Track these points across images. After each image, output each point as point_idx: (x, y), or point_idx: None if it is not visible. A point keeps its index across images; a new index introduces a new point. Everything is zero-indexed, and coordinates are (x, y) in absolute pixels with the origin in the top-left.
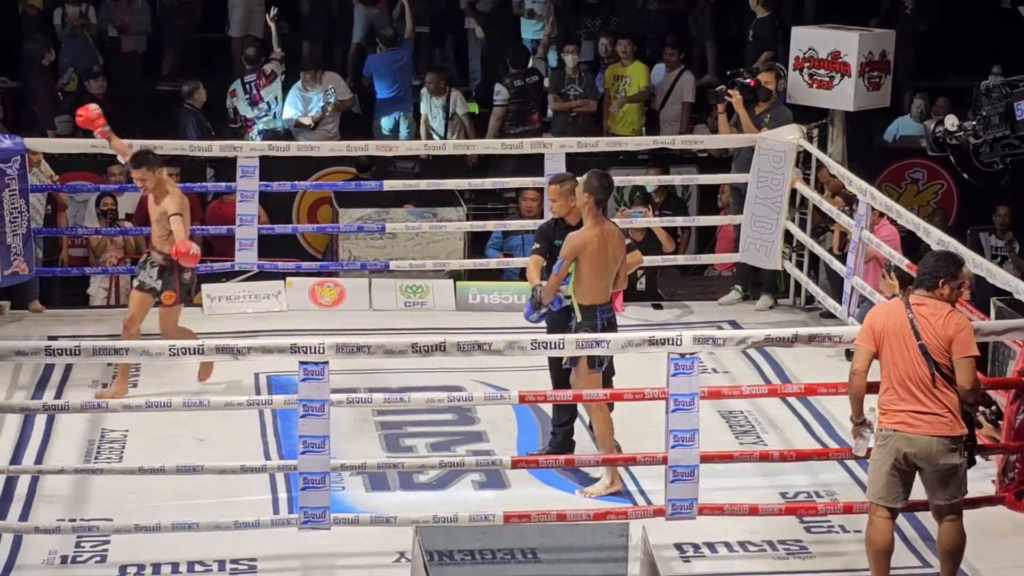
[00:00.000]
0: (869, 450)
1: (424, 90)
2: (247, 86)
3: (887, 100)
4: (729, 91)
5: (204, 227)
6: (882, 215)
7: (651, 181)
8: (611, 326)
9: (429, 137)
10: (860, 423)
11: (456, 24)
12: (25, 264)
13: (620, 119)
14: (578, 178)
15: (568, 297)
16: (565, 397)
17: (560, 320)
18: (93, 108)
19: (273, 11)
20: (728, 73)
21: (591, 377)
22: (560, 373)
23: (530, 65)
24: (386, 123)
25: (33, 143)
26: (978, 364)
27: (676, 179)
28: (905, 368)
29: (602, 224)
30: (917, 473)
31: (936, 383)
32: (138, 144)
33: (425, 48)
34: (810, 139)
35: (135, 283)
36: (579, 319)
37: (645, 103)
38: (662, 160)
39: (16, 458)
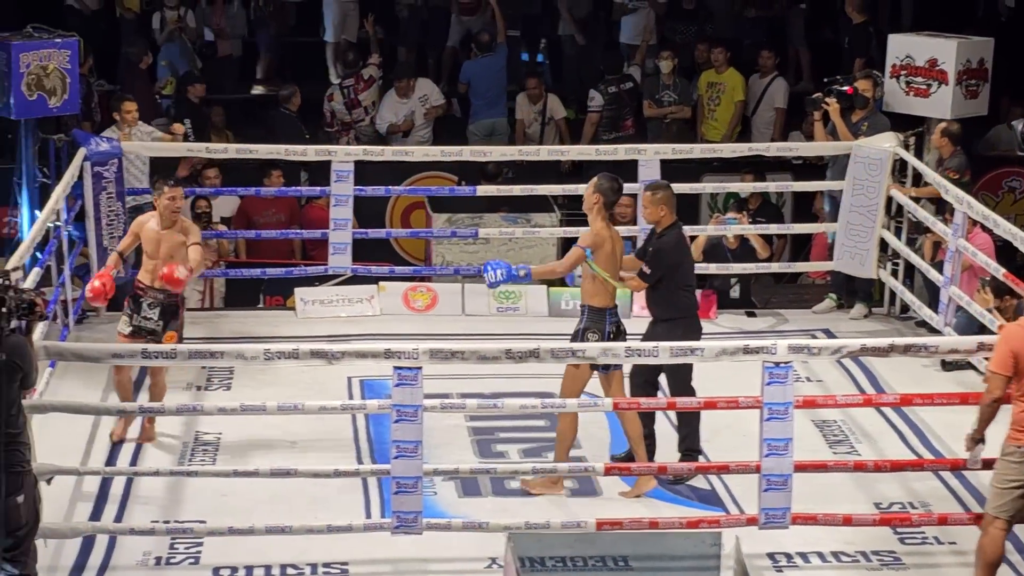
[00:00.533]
0: (984, 461)
1: (521, 95)
2: (345, 91)
3: (985, 108)
4: (826, 99)
5: (299, 231)
6: (976, 223)
7: (745, 188)
8: (620, 332)
9: (524, 142)
10: (980, 439)
11: (549, 29)
12: (121, 267)
13: (714, 125)
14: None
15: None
16: (659, 405)
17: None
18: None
19: (370, 17)
20: (825, 80)
21: (577, 374)
22: (640, 382)
23: (625, 71)
24: (481, 128)
25: (130, 146)
26: None
27: (771, 186)
28: None
29: (611, 226)
30: None
31: None
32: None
33: (518, 53)
34: (906, 147)
35: (127, 329)
36: (585, 322)
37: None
38: (758, 167)
39: (111, 460)
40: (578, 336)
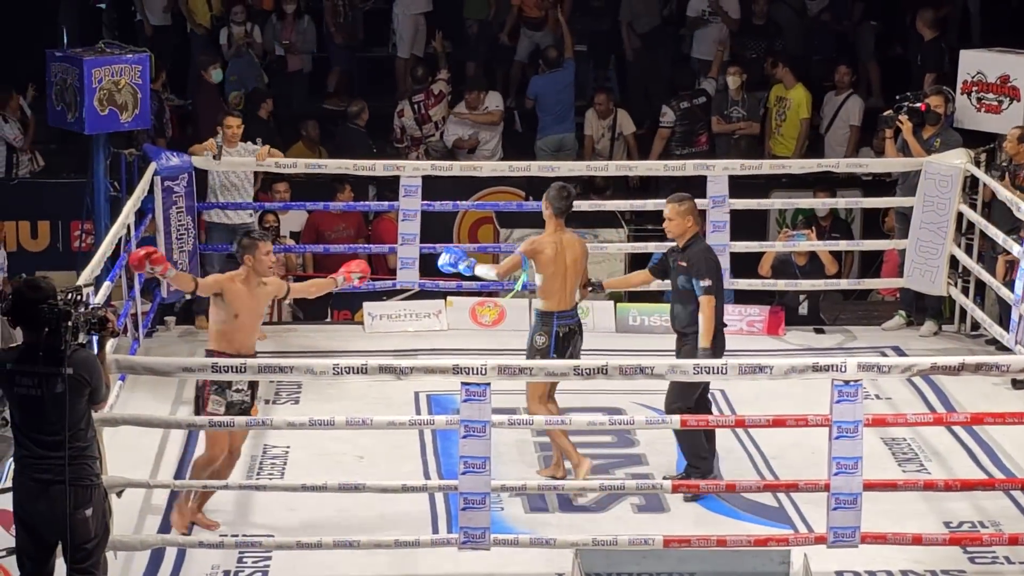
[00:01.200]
0: None
1: (589, 111)
2: (416, 106)
3: None
4: (899, 117)
5: (367, 245)
6: None
7: (814, 204)
8: (571, 333)
9: (593, 157)
10: None
11: (617, 44)
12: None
13: (781, 141)
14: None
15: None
16: (728, 423)
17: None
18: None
19: (439, 34)
20: (897, 97)
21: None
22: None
23: (698, 86)
24: (549, 144)
25: (200, 161)
26: None
27: (840, 202)
28: None
29: (561, 233)
30: None
31: None
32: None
33: (585, 68)
34: (977, 164)
35: (221, 410)
36: (534, 326)
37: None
38: (830, 183)
39: (180, 473)
40: (529, 340)
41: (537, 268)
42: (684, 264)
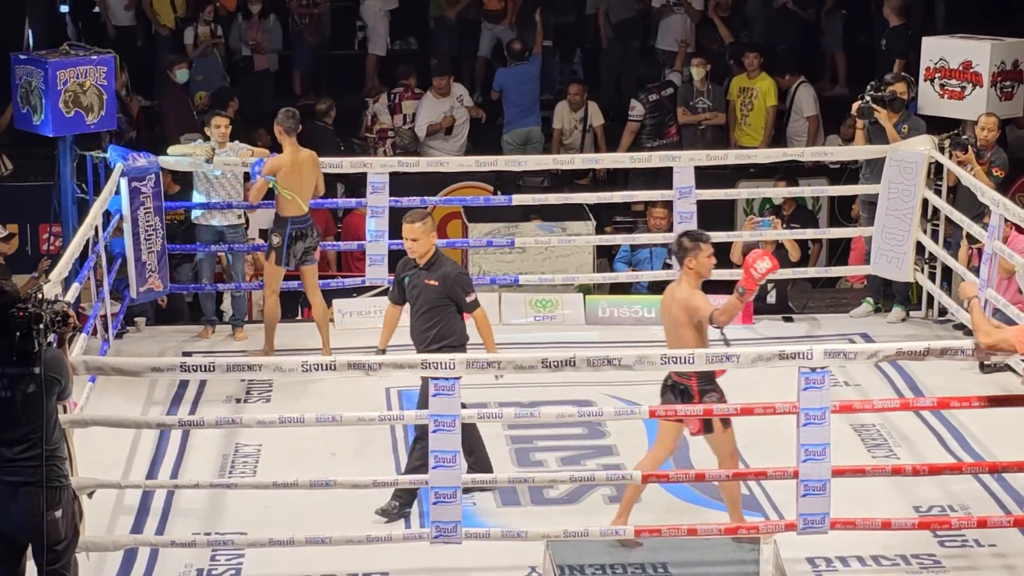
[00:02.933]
0: None
1: (561, 103)
2: (392, 95)
3: (1020, 110)
4: (877, 107)
5: (335, 243)
6: (1014, 227)
7: (780, 193)
8: (301, 235)
9: (560, 151)
10: None
11: (583, 37)
12: (160, 280)
13: (748, 131)
14: None
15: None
16: (696, 412)
17: None
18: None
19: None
20: (870, 87)
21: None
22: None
23: (664, 78)
24: (515, 137)
25: (190, 163)
26: None
27: (806, 191)
28: None
29: (296, 152)
30: None
31: None
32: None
33: (551, 61)
34: (941, 150)
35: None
36: (272, 227)
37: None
38: (789, 172)
39: (152, 473)
40: (267, 236)
41: (279, 181)
42: (436, 283)
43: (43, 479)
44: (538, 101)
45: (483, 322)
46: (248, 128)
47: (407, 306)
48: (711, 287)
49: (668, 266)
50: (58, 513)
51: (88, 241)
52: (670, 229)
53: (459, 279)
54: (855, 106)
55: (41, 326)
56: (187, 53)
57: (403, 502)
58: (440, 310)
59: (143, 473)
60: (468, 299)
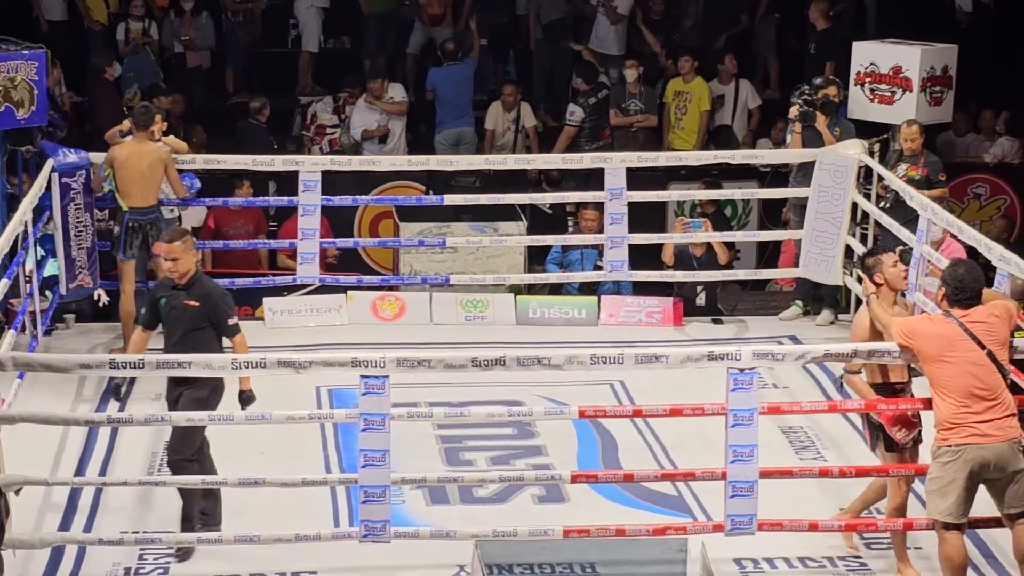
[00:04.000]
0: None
1: (495, 103)
2: (339, 98)
3: (949, 115)
4: (815, 111)
5: (267, 241)
6: (950, 234)
7: (709, 195)
8: (140, 227)
9: (493, 151)
10: None
11: (516, 38)
12: (90, 277)
13: (681, 135)
14: None
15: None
16: (625, 412)
17: None
18: None
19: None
20: (804, 90)
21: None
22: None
23: (599, 80)
24: (447, 138)
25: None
26: None
27: (736, 193)
28: (968, 379)
29: (142, 144)
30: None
31: (1001, 388)
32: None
33: (485, 62)
34: (871, 154)
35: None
36: (115, 219)
37: (710, 117)
38: (710, 175)
39: (80, 470)
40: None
41: (115, 172)
42: (197, 303)
43: None
44: (471, 102)
45: (242, 349)
46: (181, 125)
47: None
48: (647, 289)
49: (599, 268)
50: None
51: (17, 237)
52: (601, 230)
53: (222, 299)
54: (793, 110)
55: None
56: (119, 50)
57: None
58: (199, 334)
59: (71, 470)
60: (230, 322)
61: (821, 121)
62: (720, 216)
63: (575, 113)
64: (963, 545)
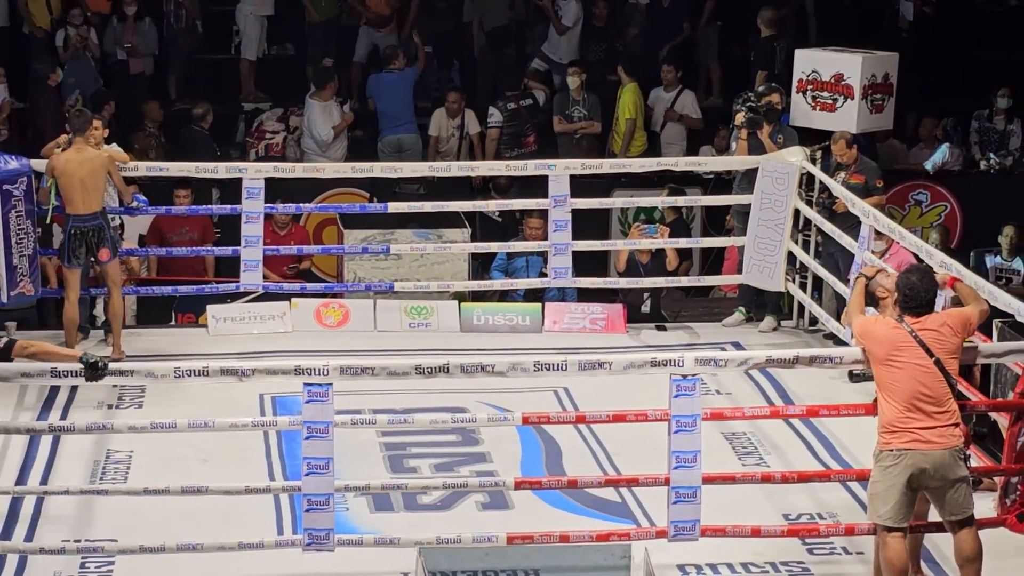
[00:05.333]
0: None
1: (439, 110)
2: (287, 111)
3: (890, 123)
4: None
5: (212, 248)
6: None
7: (654, 202)
8: (82, 234)
9: (437, 158)
10: None
11: (461, 45)
12: (31, 285)
13: (617, 140)
14: None
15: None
16: (569, 419)
17: None
18: None
19: None
20: (748, 97)
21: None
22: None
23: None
24: (388, 145)
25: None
26: (981, 388)
27: (680, 200)
28: (914, 385)
29: (81, 151)
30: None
31: (947, 396)
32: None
33: (429, 69)
34: (813, 161)
35: None
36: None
37: (645, 124)
38: (675, 182)
39: (21, 479)
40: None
41: (57, 180)
42: None
43: None
44: (412, 109)
45: None
46: (123, 132)
47: None
48: (593, 296)
49: (544, 275)
50: None
51: None
52: (545, 238)
53: None
54: (739, 117)
55: None
56: (59, 55)
57: None
58: None
59: (12, 479)
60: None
61: (764, 129)
62: (681, 223)
63: (493, 115)
64: (904, 549)
